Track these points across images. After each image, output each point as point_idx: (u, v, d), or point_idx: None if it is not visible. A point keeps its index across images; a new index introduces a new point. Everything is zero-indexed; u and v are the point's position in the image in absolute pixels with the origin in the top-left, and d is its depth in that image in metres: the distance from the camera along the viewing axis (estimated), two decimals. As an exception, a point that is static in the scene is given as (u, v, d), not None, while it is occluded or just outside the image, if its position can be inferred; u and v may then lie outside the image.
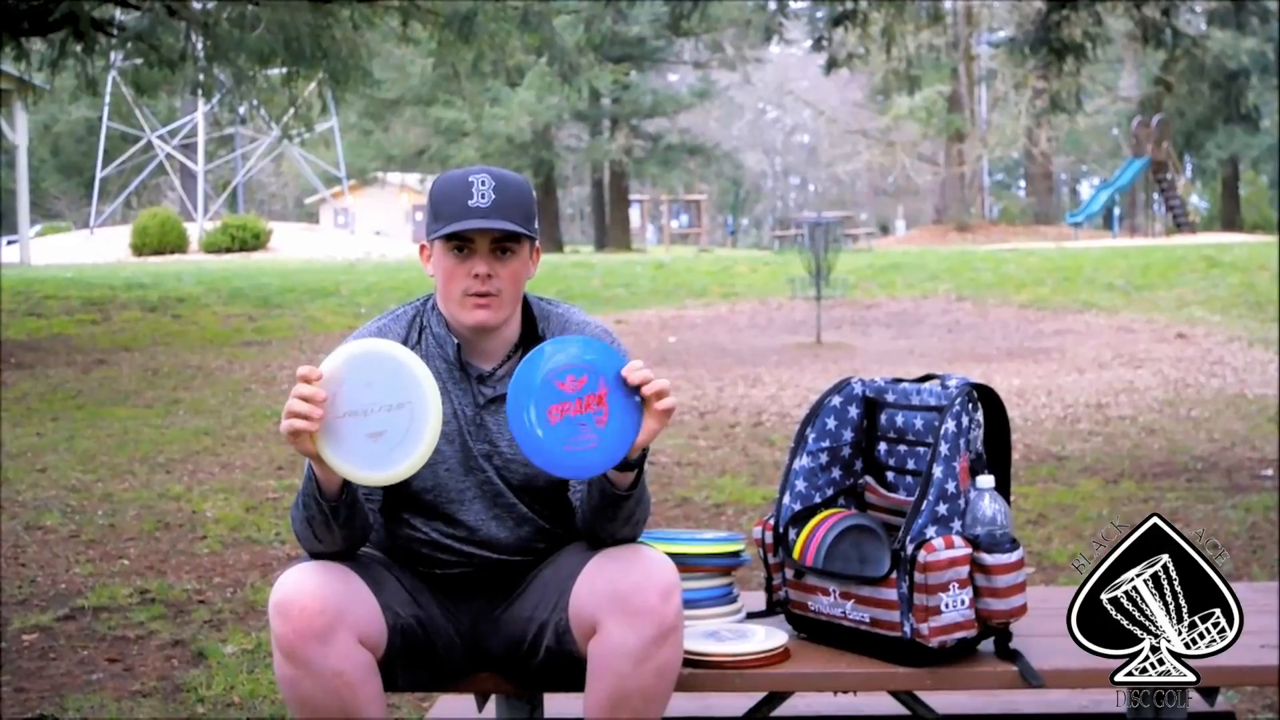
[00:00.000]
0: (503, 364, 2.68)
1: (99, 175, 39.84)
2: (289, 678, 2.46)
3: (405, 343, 2.67)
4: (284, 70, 14.43)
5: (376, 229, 44.66)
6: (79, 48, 13.24)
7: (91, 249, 33.27)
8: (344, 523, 2.50)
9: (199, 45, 13.76)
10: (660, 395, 2.44)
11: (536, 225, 2.66)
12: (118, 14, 14.42)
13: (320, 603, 2.43)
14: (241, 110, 19.40)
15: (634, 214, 44.18)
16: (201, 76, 14.37)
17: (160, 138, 40.12)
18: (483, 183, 2.59)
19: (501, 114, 34.88)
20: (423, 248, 2.70)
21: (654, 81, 41.82)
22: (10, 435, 8.77)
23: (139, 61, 15.16)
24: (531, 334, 2.69)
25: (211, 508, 6.67)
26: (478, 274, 2.59)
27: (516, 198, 2.61)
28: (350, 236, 39.25)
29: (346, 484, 2.46)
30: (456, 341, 2.66)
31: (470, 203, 2.57)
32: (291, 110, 18.94)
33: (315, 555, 2.56)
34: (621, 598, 2.47)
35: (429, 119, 36.75)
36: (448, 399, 2.63)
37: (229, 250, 31.53)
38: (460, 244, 2.60)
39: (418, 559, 2.70)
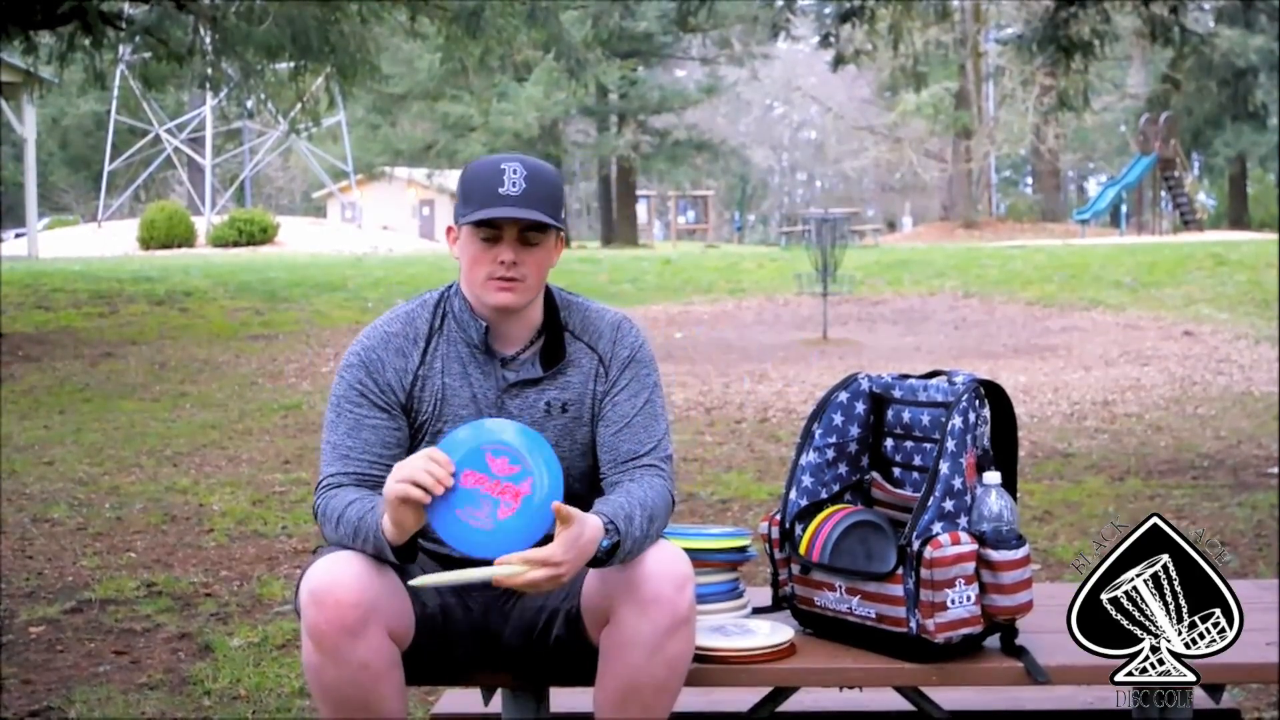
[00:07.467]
0: (525, 349, 2.70)
1: (107, 169, 39.90)
2: (315, 664, 2.47)
3: (430, 329, 2.69)
4: (292, 64, 14.45)
5: (384, 223, 44.69)
6: (87, 41, 13.28)
7: (99, 242, 33.31)
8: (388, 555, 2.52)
9: (207, 39, 13.79)
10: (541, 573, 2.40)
11: (564, 215, 2.68)
12: (126, 7, 14.45)
13: (355, 595, 2.44)
14: (249, 104, 19.38)
15: (641, 210, 44.20)
16: (209, 70, 14.40)
17: (168, 131, 40.16)
18: (514, 171, 2.61)
19: (509, 109, 34.89)
20: (449, 230, 2.72)
21: (661, 77, 41.78)
22: (18, 428, 8.79)
23: (147, 55, 15.19)
24: (553, 321, 2.71)
25: (218, 501, 6.69)
26: (503, 260, 2.61)
27: (547, 187, 2.63)
28: (357, 231, 39.31)
29: (412, 538, 2.48)
30: (485, 324, 2.67)
31: (501, 190, 2.59)
32: (299, 104, 18.93)
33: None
34: (635, 586, 2.48)
35: (436, 114, 36.76)
36: (469, 382, 2.66)
37: (236, 244, 31.58)
38: (488, 230, 2.62)
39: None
